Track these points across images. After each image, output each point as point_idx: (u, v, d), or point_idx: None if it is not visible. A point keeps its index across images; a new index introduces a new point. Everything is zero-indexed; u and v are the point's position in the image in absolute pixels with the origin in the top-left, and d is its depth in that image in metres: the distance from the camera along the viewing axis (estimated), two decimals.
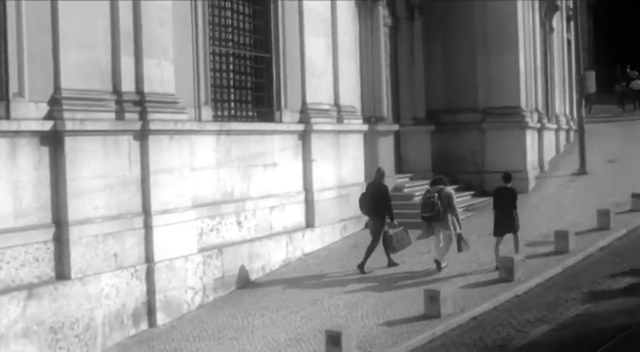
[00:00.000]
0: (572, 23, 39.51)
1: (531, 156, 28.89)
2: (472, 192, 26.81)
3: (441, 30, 28.42)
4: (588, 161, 30.91)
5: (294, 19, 20.46)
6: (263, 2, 19.66)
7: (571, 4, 39.50)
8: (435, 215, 18.01)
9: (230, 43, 18.75)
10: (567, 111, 39.98)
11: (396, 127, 25.42)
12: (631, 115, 48.55)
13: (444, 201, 17.99)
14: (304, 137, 20.60)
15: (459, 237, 18.13)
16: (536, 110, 30.68)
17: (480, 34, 28.13)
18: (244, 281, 17.79)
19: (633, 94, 54.49)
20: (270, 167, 19.26)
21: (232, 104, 18.78)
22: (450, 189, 18.63)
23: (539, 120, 30.62)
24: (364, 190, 19.63)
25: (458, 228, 18.20)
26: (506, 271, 16.62)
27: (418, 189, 24.89)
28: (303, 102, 20.74)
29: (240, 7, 19.09)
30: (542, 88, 32.72)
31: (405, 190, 24.70)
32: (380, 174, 19.32)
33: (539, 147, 30.66)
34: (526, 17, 29.44)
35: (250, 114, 19.34)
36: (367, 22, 24.37)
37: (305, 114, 20.64)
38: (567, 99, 40.27)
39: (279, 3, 19.94)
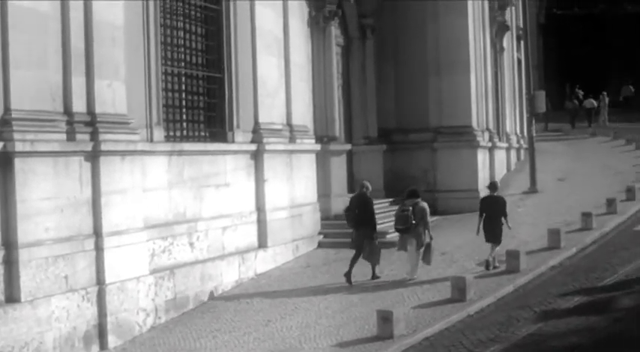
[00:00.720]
0: (522, 43, 39.93)
1: (483, 175, 29.06)
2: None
3: (394, 50, 28.62)
4: (539, 179, 31.20)
5: (246, 39, 20.46)
6: (215, 22, 19.64)
7: (521, 24, 39.93)
8: (407, 227, 18.63)
9: (182, 63, 18.69)
10: (518, 130, 40.32)
11: (348, 147, 25.50)
12: (580, 134, 49.13)
13: (417, 215, 18.59)
14: (257, 157, 20.55)
15: (427, 248, 18.79)
16: (488, 129, 30.92)
17: (432, 53, 28.35)
18: (196, 303, 17.67)
19: (586, 112, 55.36)
20: (222, 187, 19.20)
21: (184, 124, 18.71)
22: (424, 203, 19.09)
23: (491, 139, 30.85)
24: (348, 204, 19.91)
25: (428, 238, 18.78)
26: (458, 291, 16.65)
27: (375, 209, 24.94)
28: (256, 122, 20.72)
29: (193, 27, 19.03)
30: (493, 107, 32.98)
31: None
32: (364, 187, 19.60)
33: (491, 166, 30.86)
34: (477, 37, 29.73)
35: (203, 134, 19.27)
36: (320, 41, 24.45)
37: (257, 134, 20.61)
38: (518, 118, 40.61)
39: (232, 23, 19.93)
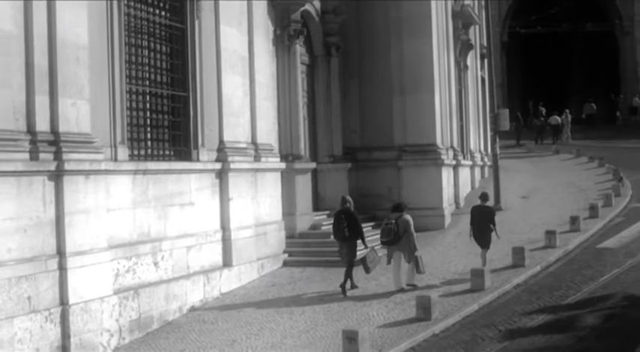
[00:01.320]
0: (485, 61, 40.27)
1: (447, 193, 29.19)
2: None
3: (359, 68, 28.73)
4: (503, 197, 31.38)
5: (211, 57, 20.45)
6: (180, 41, 19.61)
7: (485, 43, 40.20)
8: (392, 240, 19.37)
9: (147, 82, 18.63)
10: (482, 148, 40.51)
11: (313, 165, 25.50)
12: (543, 151, 49.46)
13: (401, 227, 19.34)
14: (222, 176, 20.51)
15: (417, 260, 19.47)
16: (452, 147, 31.04)
17: (397, 72, 28.45)
18: (161, 323, 17.57)
19: (552, 129, 56.02)
20: (187, 206, 19.13)
21: (149, 143, 18.63)
22: (408, 215, 19.82)
23: (455, 157, 30.98)
24: (335, 218, 20.36)
25: (415, 252, 19.44)
26: (423, 310, 16.66)
27: None
28: (221, 141, 20.67)
29: (158, 46, 18.98)
30: (458, 125, 33.12)
31: (323, 228, 24.67)
32: (345, 201, 20.28)
33: (455, 184, 31.02)
34: (441, 56, 29.89)
35: (167, 153, 19.20)
36: (284, 60, 24.48)
37: (222, 152, 20.57)
38: (482, 136, 40.81)
39: (197, 42, 19.91)
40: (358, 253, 20.19)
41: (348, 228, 19.74)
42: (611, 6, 67.81)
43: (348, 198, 20.67)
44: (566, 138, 55.80)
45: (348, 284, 19.59)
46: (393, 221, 19.48)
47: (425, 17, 28.49)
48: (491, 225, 20.97)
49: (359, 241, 20.11)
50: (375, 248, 20.66)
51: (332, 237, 21.12)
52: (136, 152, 17.98)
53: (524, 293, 18.78)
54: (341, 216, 20.04)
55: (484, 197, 21.81)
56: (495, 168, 32.09)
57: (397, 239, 19.36)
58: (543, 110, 61.29)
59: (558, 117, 56.58)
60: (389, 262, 19.73)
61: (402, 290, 19.20)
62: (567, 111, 57.93)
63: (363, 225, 25.48)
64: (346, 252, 19.91)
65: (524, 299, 18.27)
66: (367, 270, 19.86)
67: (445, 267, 21.49)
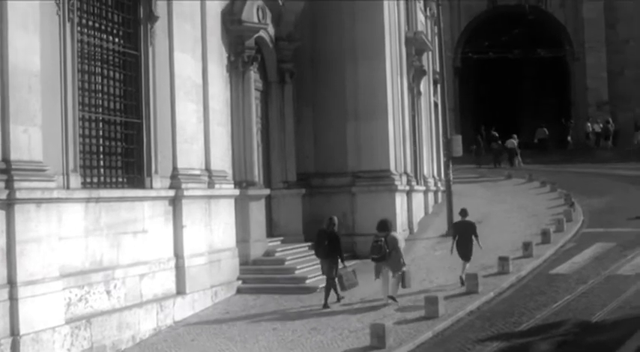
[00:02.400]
0: (438, 86, 40.56)
1: (401, 219, 29.28)
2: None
3: (312, 94, 28.80)
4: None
5: (165, 84, 20.38)
6: (134, 68, 19.52)
7: (437, 68, 40.52)
8: (381, 256, 20.51)
9: (100, 109, 18.49)
10: (435, 173, 40.71)
11: (267, 191, 25.46)
12: (496, 176, 49.85)
13: (390, 244, 20.49)
14: (175, 203, 20.40)
15: (403, 275, 20.85)
16: (405, 173, 31.16)
17: (351, 98, 28.58)
18: None
19: (508, 152, 56.84)
20: (140, 234, 18.99)
21: (102, 170, 18.46)
22: (395, 233, 21.53)
23: (408, 183, 31.12)
24: (317, 237, 21.58)
25: (403, 267, 20.79)
26: (377, 338, 16.62)
27: (290, 253, 25.00)
28: (174, 168, 20.58)
29: (111, 73, 18.87)
30: (411, 150, 33.28)
31: (277, 254, 24.66)
32: (332, 223, 21.40)
33: (409, 209, 31.13)
34: (395, 83, 30.06)
35: (120, 180, 19.04)
36: (239, 86, 24.47)
37: (176, 179, 20.47)
38: (435, 161, 41.02)
39: (151, 68, 19.83)
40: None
41: (329, 247, 20.96)
42: (561, 32, 68.69)
43: (335, 219, 21.74)
44: (518, 163, 56.49)
45: (334, 298, 20.91)
46: (383, 239, 20.57)
47: (378, 44, 28.69)
48: (474, 238, 22.94)
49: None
50: (355, 271, 21.77)
51: (314, 253, 22.21)
52: (88, 180, 17.81)
53: (478, 320, 18.83)
54: (323, 236, 21.26)
55: (464, 212, 23.55)
56: (449, 193, 32.29)
57: (386, 255, 20.47)
58: (496, 134, 61.93)
59: (515, 141, 57.44)
60: (377, 277, 20.88)
61: (386, 304, 20.28)
62: (515, 136, 58.80)
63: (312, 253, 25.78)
64: (327, 269, 21.09)
65: (478, 326, 18.32)
66: (343, 288, 21.07)
67: (399, 294, 21.47)
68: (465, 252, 22.90)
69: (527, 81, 74.76)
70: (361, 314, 19.55)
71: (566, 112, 69.00)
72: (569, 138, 65.51)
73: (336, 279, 21.02)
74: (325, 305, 20.55)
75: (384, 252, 20.50)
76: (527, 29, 62.37)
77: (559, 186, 41.06)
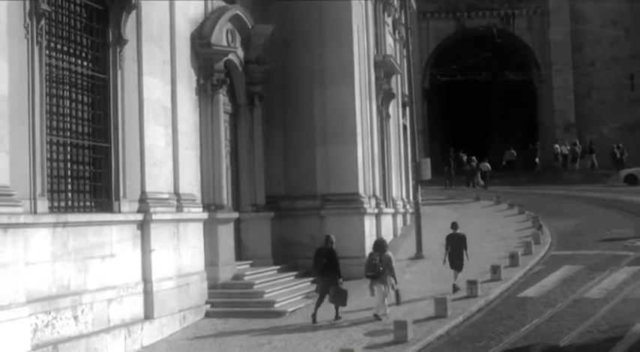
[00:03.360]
0: (407, 109, 40.68)
1: (370, 241, 29.07)
2: (312, 278, 26.79)
3: (282, 117, 28.83)
4: (424, 244, 31.60)
5: (134, 107, 20.31)
6: (103, 91, 19.44)
7: (406, 91, 40.69)
8: (376, 274, 21.57)
9: (68, 133, 18.39)
10: (404, 195, 40.83)
11: (236, 215, 25.41)
12: (464, 198, 50.06)
13: (384, 263, 21.69)
14: (143, 227, 20.28)
15: (397, 292, 22.54)
16: (374, 195, 31.24)
17: (320, 121, 28.64)
18: None
19: (481, 175, 57.50)
20: (108, 258, 18.86)
21: (70, 195, 18.32)
22: (389, 253, 22.41)
23: (377, 206, 31.19)
24: (315, 255, 22.27)
25: (395, 285, 22.25)
26: None
27: (259, 277, 24.94)
28: (143, 192, 20.48)
29: (80, 96, 18.78)
30: (380, 173, 33.37)
31: (246, 278, 24.58)
32: (330, 241, 22.29)
33: (378, 232, 31.13)
34: (364, 106, 30.17)
35: (88, 204, 18.92)
36: (208, 109, 24.43)
37: (144, 203, 20.37)
38: (404, 183, 41.15)
39: (120, 92, 19.75)
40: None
41: (327, 265, 21.73)
42: (529, 55, 69.39)
43: (332, 237, 22.61)
44: (477, 183, 57.43)
45: (332, 315, 21.55)
46: (378, 258, 21.72)
47: (348, 68, 28.79)
48: (464, 250, 24.93)
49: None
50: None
51: (312, 272, 23.50)
52: (56, 204, 17.66)
53: (447, 345, 18.84)
54: (322, 253, 22.09)
55: (455, 225, 25.78)
56: (417, 216, 32.38)
57: (379, 273, 21.55)
58: (464, 156, 62.36)
59: (488, 164, 58.29)
60: (372, 294, 21.90)
61: (380, 318, 21.31)
62: (473, 157, 59.66)
63: (285, 274, 25.81)
64: (322, 285, 21.84)
65: (447, 350, 18.35)
66: (344, 303, 21.80)
67: (368, 318, 21.48)
68: (456, 262, 24.92)
69: (496, 103, 75.45)
70: (330, 338, 19.49)
71: (534, 134, 69.61)
72: (537, 160, 66.02)
73: (334, 296, 21.64)
74: (314, 320, 21.21)
75: (378, 270, 21.55)
76: (495, 52, 62.90)
77: (527, 209, 41.33)
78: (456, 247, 25.10)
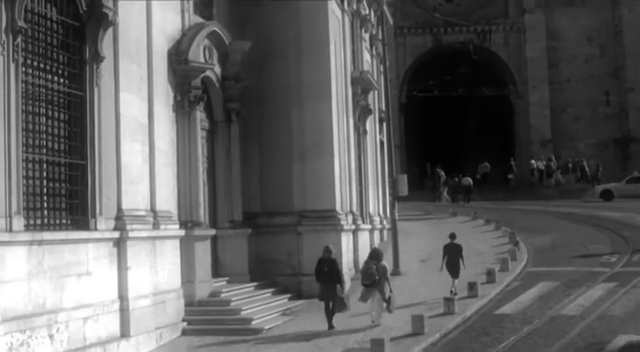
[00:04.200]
0: (384, 125, 40.76)
1: (347, 258, 29.31)
2: (289, 295, 26.83)
3: (259, 133, 28.77)
4: (401, 261, 31.67)
5: (111, 124, 20.22)
6: (79, 108, 19.34)
7: (383, 107, 40.75)
8: (372, 282, 22.66)
9: (44, 150, 18.29)
10: (381, 211, 40.84)
11: (212, 232, 25.33)
12: (442, 213, 50.16)
13: (380, 272, 22.78)
14: (120, 244, 20.15)
15: (389, 300, 22.79)
16: (351, 212, 31.22)
17: (297, 138, 28.58)
18: None
19: (463, 189, 57.93)
20: (84, 276, 18.74)
21: (46, 212, 18.21)
22: (384, 262, 23.52)
23: (354, 222, 31.18)
24: (317, 264, 23.17)
25: (389, 293, 22.85)
26: None
27: (236, 294, 24.86)
28: (119, 209, 20.38)
29: (56, 114, 18.69)
30: (357, 189, 33.38)
31: (223, 295, 24.49)
32: (328, 250, 23.22)
33: (355, 249, 31.20)
34: (341, 122, 30.18)
35: (64, 222, 18.80)
36: (185, 126, 24.37)
37: (121, 221, 20.26)
38: (381, 199, 41.16)
39: (96, 109, 19.65)
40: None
41: (328, 274, 22.62)
42: (505, 71, 69.78)
43: (331, 247, 23.60)
44: (439, 196, 58.18)
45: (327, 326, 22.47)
46: (374, 266, 22.83)
47: (325, 84, 28.80)
48: (460, 259, 26.71)
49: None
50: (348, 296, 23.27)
51: (316, 278, 23.50)
52: (32, 222, 17.54)
53: None
54: (324, 262, 22.96)
55: (453, 236, 27.71)
56: (394, 232, 32.45)
57: (376, 282, 22.61)
58: (441, 172, 62.62)
59: (470, 179, 58.85)
60: (364, 301, 23.03)
61: (377, 325, 22.43)
62: (442, 172, 60.56)
63: (262, 291, 25.77)
64: (327, 293, 22.61)
65: None
66: (342, 309, 22.65)
67: (344, 337, 21.45)
68: (453, 270, 26.62)
69: (473, 118, 75.80)
70: None
71: (510, 150, 69.96)
72: (509, 175, 66.37)
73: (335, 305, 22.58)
74: (331, 326, 22.32)
75: (375, 279, 22.64)
76: (471, 67, 63.17)
77: (503, 224, 41.46)
78: (452, 256, 26.82)
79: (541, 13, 69.20)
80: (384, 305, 22.82)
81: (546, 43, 68.66)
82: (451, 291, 25.99)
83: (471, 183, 59.67)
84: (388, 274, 23.26)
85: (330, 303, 22.54)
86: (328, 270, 22.69)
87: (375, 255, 23.81)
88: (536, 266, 31.81)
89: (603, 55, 69.36)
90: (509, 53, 69.69)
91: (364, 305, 23.22)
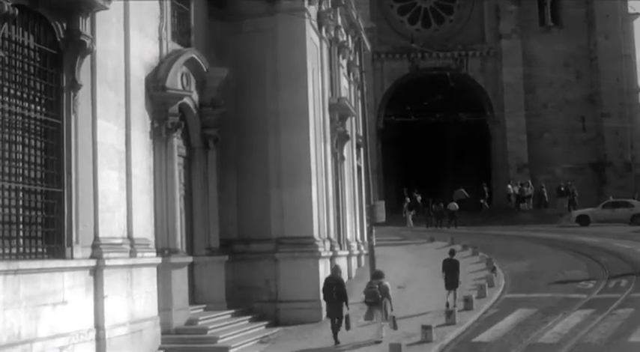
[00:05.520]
0: (361, 150, 40.82)
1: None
2: (266, 323, 26.75)
3: (236, 160, 28.73)
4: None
5: (87, 152, 20.16)
6: (56, 136, 19.27)
7: (360, 132, 40.81)
8: (375, 301, 23.98)
9: (21, 178, 18.19)
10: (358, 236, 40.77)
11: (189, 259, 25.21)
12: (419, 238, 50.14)
13: (382, 291, 24.04)
14: (96, 273, 20.05)
15: (393, 318, 23.99)
16: (329, 238, 31.14)
17: (274, 164, 28.56)
18: None
19: (450, 214, 58.28)
20: (60, 305, 18.61)
21: (21, 241, 18.09)
22: (387, 282, 24.70)
23: (332, 248, 31.11)
24: (325, 282, 24.87)
25: (391, 311, 24.14)
26: None
27: (213, 322, 24.75)
28: (96, 237, 20.28)
29: (32, 141, 18.61)
30: (334, 215, 33.30)
31: (200, 323, 24.36)
32: (337, 270, 25.16)
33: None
34: (318, 149, 30.18)
35: (40, 250, 18.69)
36: (162, 153, 24.30)
37: (97, 249, 20.16)
38: (358, 224, 41.10)
39: (73, 136, 19.60)
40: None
41: (337, 293, 23.98)
42: (482, 96, 70.09)
43: (340, 267, 25.76)
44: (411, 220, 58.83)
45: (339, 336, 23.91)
46: (377, 286, 24.11)
47: (302, 111, 28.81)
48: (457, 274, 29.33)
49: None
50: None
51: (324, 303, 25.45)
52: (7, 251, 17.44)
53: None
54: (331, 282, 24.38)
55: (452, 252, 30.83)
56: (372, 259, 32.42)
57: (379, 301, 23.92)
58: (419, 197, 62.80)
59: (456, 204, 59.08)
60: (368, 319, 24.50)
61: (379, 341, 23.65)
62: (413, 196, 61.01)
63: (239, 319, 25.67)
64: (334, 310, 24.03)
65: None
66: (347, 328, 23.92)
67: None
68: (451, 283, 29.23)
69: (450, 143, 76.05)
70: None
71: (488, 174, 70.22)
72: (482, 200, 66.56)
73: (343, 320, 23.94)
74: (337, 341, 23.74)
75: (378, 298, 23.91)
76: (448, 92, 63.43)
77: (481, 250, 41.41)
78: (450, 271, 29.42)
79: (517, 38, 69.60)
80: (387, 323, 24.02)
81: (523, 69, 69.06)
82: (447, 303, 28.18)
83: (457, 208, 60.03)
84: (390, 293, 24.40)
85: (336, 320, 23.79)
86: (337, 290, 24.05)
87: (378, 274, 25.17)
88: (513, 293, 31.81)
89: (579, 81, 69.86)
90: (485, 79, 70.02)
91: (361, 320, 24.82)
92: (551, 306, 28.22)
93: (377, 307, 24.06)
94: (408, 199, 62.72)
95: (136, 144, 22.57)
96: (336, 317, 23.86)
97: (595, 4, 70.11)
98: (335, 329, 23.81)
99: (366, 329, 24.96)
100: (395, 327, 24.01)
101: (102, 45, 20.87)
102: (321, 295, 25.23)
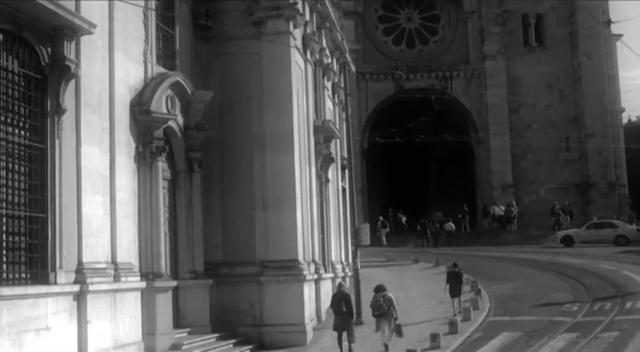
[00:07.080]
0: (346, 172, 40.86)
1: (309, 308, 29.16)
2: (250, 347, 26.66)
3: (221, 183, 28.69)
4: (363, 309, 31.38)
5: (71, 177, 20.07)
6: (40, 160, 19.19)
7: (345, 154, 40.86)
8: (382, 313, 25.83)
9: (4, 203, 18.09)
10: (343, 258, 40.74)
11: (174, 283, 25.08)
12: (404, 260, 50.17)
13: (387, 303, 25.98)
14: (80, 298, 19.91)
15: (398, 327, 25.94)
16: (314, 261, 31.07)
17: (259, 187, 28.54)
18: None
19: (448, 234, 58.74)
20: (43, 331, 18.46)
21: (4, 266, 17.98)
22: (390, 294, 26.62)
23: (317, 271, 31.04)
24: (333, 298, 27.00)
25: (396, 321, 26.06)
26: None
27: (197, 346, 24.64)
28: (79, 262, 20.16)
29: (16, 167, 18.53)
30: (319, 238, 33.25)
31: (184, 347, 24.19)
32: (342, 286, 27.91)
33: (317, 298, 31.06)
34: (303, 171, 30.15)
35: (24, 276, 18.58)
36: (146, 176, 24.21)
37: (81, 274, 20.04)
38: (343, 246, 41.07)
39: (57, 161, 19.51)
40: None
41: (345, 306, 26.02)
42: (466, 116, 70.34)
43: (344, 283, 29.18)
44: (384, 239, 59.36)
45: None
46: (382, 298, 25.94)
47: (287, 134, 28.79)
48: (461, 284, 32.85)
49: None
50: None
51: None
52: None
53: None
54: (339, 297, 26.40)
55: (455, 265, 33.63)
56: (356, 282, 32.38)
57: (385, 312, 25.76)
58: (403, 218, 62.95)
59: (453, 225, 59.56)
60: (378, 330, 26.28)
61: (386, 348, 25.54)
62: (403, 218, 61.62)
63: (224, 342, 25.55)
64: (340, 324, 25.89)
65: None
66: (352, 341, 25.89)
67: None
68: (454, 292, 32.19)
69: (435, 163, 76.18)
70: None
71: (472, 195, 70.40)
72: (463, 225, 66.85)
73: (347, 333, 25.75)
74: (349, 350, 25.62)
75: (384, 310, 25.74)
76: (433, 113, 63.60)
77: (465, 271, 41.26)
78: (454, 281, 32.41)
79: (501, 59, 70.04)
80: (394, 333, 25.80)
81: (507, 90, 69.46)
82: (454, 310, 31.39)
83: (454, 228, 60.47)
84: (394, 303, 26.21)
85: (344, 333, 25.61)
86: (345, 304, 26.03)
87: (380, 288, 26.70)
88: (498, 316, 31.80)
89: (563, 102, 70.36)
90: (470, 99, 70.40)
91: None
92: (536, 329, 28.21)
93: (384, 318, 25.78)
94: (381, 217, 62.93)
95: (120, 169, 22.49)
96: (343, 331, 25.55)
97: (578, 24, 70.57)
98: (341, 344, 25.51)
99: (368, 340, 27.07)
100: (400, 335, 25.92)
101: (86, 69, 20.82)
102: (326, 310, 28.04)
